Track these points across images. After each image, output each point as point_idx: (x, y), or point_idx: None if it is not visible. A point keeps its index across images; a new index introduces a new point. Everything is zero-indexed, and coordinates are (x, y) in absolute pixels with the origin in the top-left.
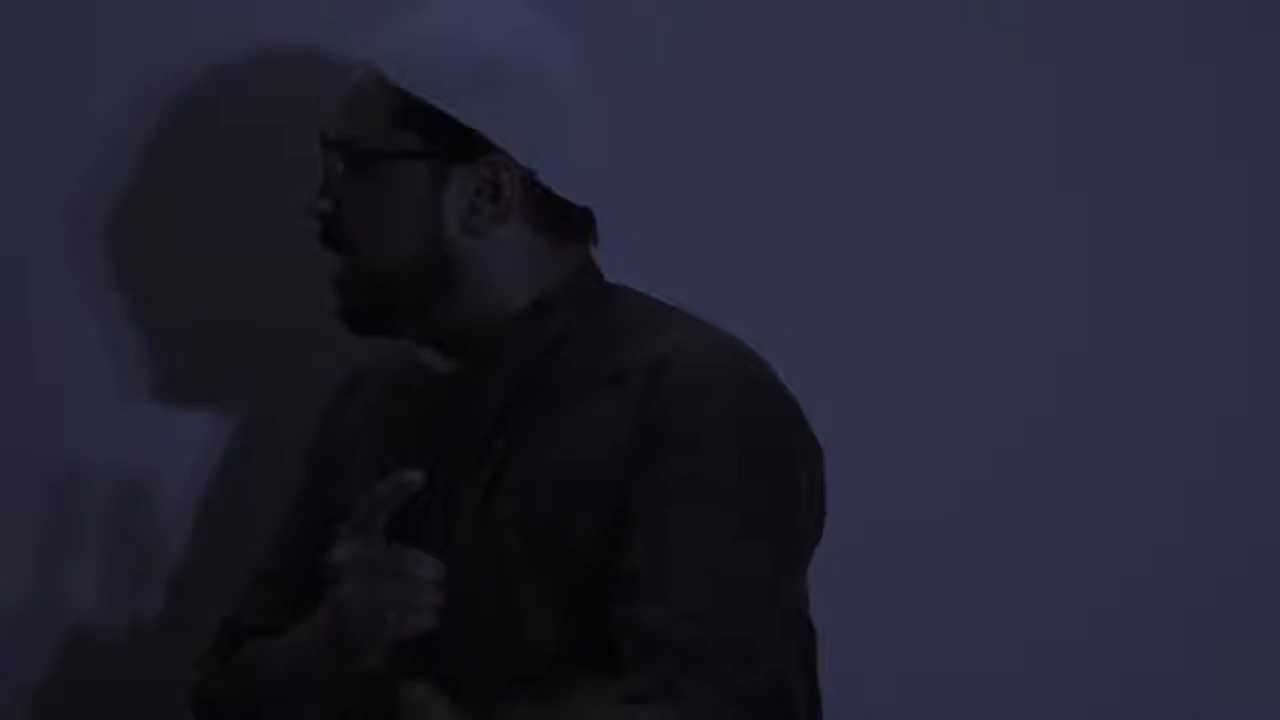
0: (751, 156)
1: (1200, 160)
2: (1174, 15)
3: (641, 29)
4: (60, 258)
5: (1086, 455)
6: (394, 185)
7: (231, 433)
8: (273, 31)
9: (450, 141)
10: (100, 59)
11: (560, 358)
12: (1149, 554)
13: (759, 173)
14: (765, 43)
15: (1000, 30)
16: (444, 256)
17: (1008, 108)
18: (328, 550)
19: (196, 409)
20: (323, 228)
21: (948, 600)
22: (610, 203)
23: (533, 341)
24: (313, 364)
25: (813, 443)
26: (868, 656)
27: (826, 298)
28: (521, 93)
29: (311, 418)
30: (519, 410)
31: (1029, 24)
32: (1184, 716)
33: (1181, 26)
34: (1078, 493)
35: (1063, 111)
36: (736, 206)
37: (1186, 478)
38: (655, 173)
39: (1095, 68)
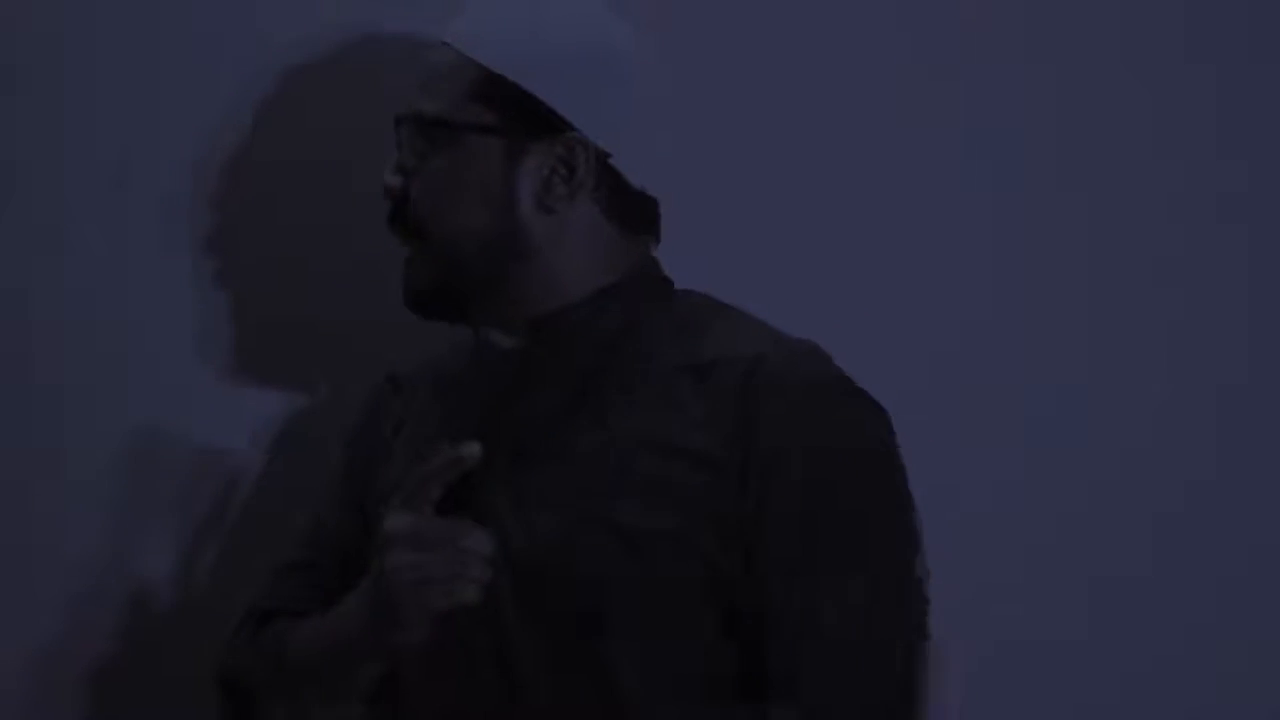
0: (751, 156)
1: (1200, 160)
2: (1174, 15)
3: (642, 29)
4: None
5: (1086, 455)
6: (471, 160)
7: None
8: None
9: (527, 118)
10: (100, 58)
11: (631, 345)
12: (1149, 554)
13: (759, 173)
14: (765, 42)
15: (1000, 30)
16: (517, 232)
17: (1008, 108)
18: (370, 533)
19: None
20: (393, 207)
21: (945, 601)
22: None
23: (604, 326)
24: (340, 363)
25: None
26: None
27: (826, 297)
28: (598, 76)
29: (347, 417)
30: (590, 395)
31: (1029, 24)
32: (1184, 716)
33: (1182, 26)
34: (1077, 493)
35: (1063, 111)
36: (736, 207)
37: (1187, 478)
38: (655, 173)
39: (1095, 68)
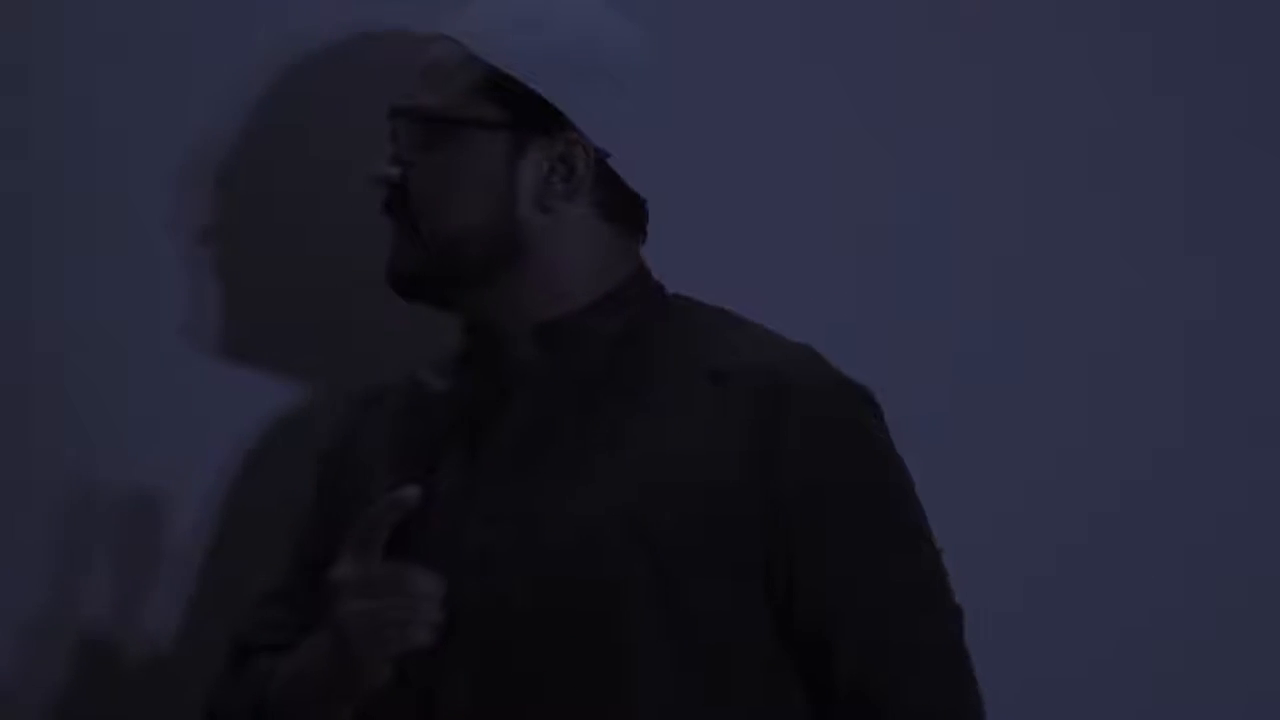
0: (751, 156)
1: (1200, 160)
2: (1174, 15)
3: (641, 30)
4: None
5: (1086, 455)
6: (470, 154)
7: (248, 442)
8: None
9: (529, 116)
10: (100, 58)
11: (634, 353)
12: (1150, 554)
13: (759, 173)
14: (764, 42)
15: (1000, 30)
16: (514, 228)
17: (1008, 108)
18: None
19: (216, 413)
20: (388, 195)
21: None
22: None
23: (610, 332)
24: (341, 363)
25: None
26: None
27: (825, 297)
28: (599, 76)
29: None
30: (599, 402)
31: (1029, 24)
32: (1184, 715)
33: (1182, 26)
34: (1077, 492)
35: (1063, 111)
36: (737, 206)
37: (1188, 477)
38: (651, 173)
39: (1095, 67)
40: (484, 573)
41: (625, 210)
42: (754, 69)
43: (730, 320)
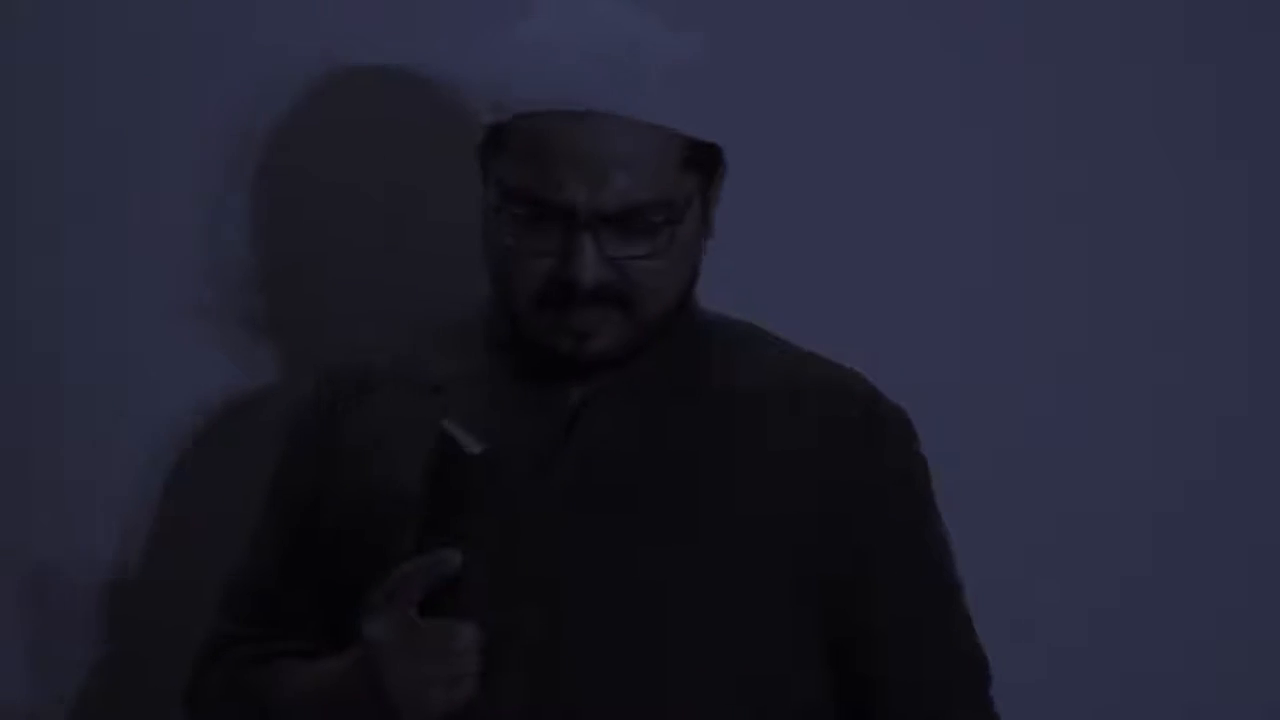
0: (751, 157)
1: (1200, 160)
2: (1174, 15)
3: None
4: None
5: (1086, 455)
6: (685, 231)
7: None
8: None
9: (704, 168)
10: (100, 58)
11: (691, 371)
12: (1149, 554)
13: (759, 173)
14: (764, 43)
15: (1000, 30)
16: (692, 285)
17: (1008, 108)
18: (333, 550)
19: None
20: (594, 293)
21: None
22: None
23: (677, 356)
24: (283, 364)
25: None
26: None
27: (825, 297)
28: (703, 83)
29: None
30: (667, 431)
31: (1029, 24)
32: (1184, 716)
33: (1182, 27)
34: (1076, 492)
35: (1063, 111)
36: (735, 207)
37: (1187, 478)
38: None
39: (1095, 68)
40: (552, 591)
41: None
42: (759, 65)
43: (759, 332)
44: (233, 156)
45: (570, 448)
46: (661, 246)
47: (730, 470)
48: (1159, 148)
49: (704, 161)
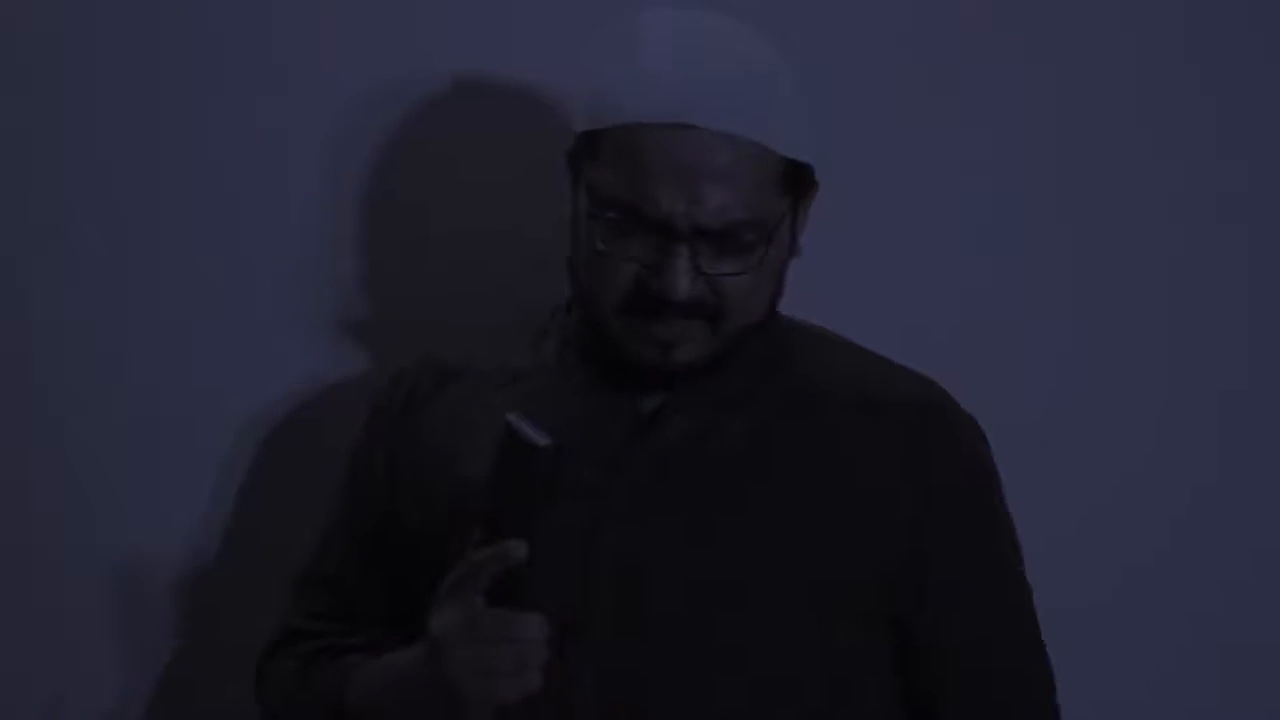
0: None
1: (1200, 160)
2: (1174, 15)
3: None
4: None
5: (1086, 454)
6: (775, 248)
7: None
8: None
9: (798, 187)
10: (100, 58)
11: (769, 377)
12: (1149, 553)
13: None
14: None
15: (1000, 30)
16: (777, 300)
17: (1008, 108)
18: (414, 535)
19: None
20: (685, 306)
21: None
22: None
23: (757, 364)
24: (342, 362)
25: None
26: None
27: (824, 297)
28: (804, 109)
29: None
30: (741, 426)
31: (1029, 24)
32: (1183, 716)
33: (1182, 27)
34: (1076, 491)
35: (1063, 111)
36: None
37: (1187, 478)
38: None
39: (1095, 68)
40: (625, 586)
41: None
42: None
43: (826, 335)
44: (236, 153)
45: (645, 447)
46: (753, 264)
47: (806, 477)
48: (1159, 148)
49: (798, 180)
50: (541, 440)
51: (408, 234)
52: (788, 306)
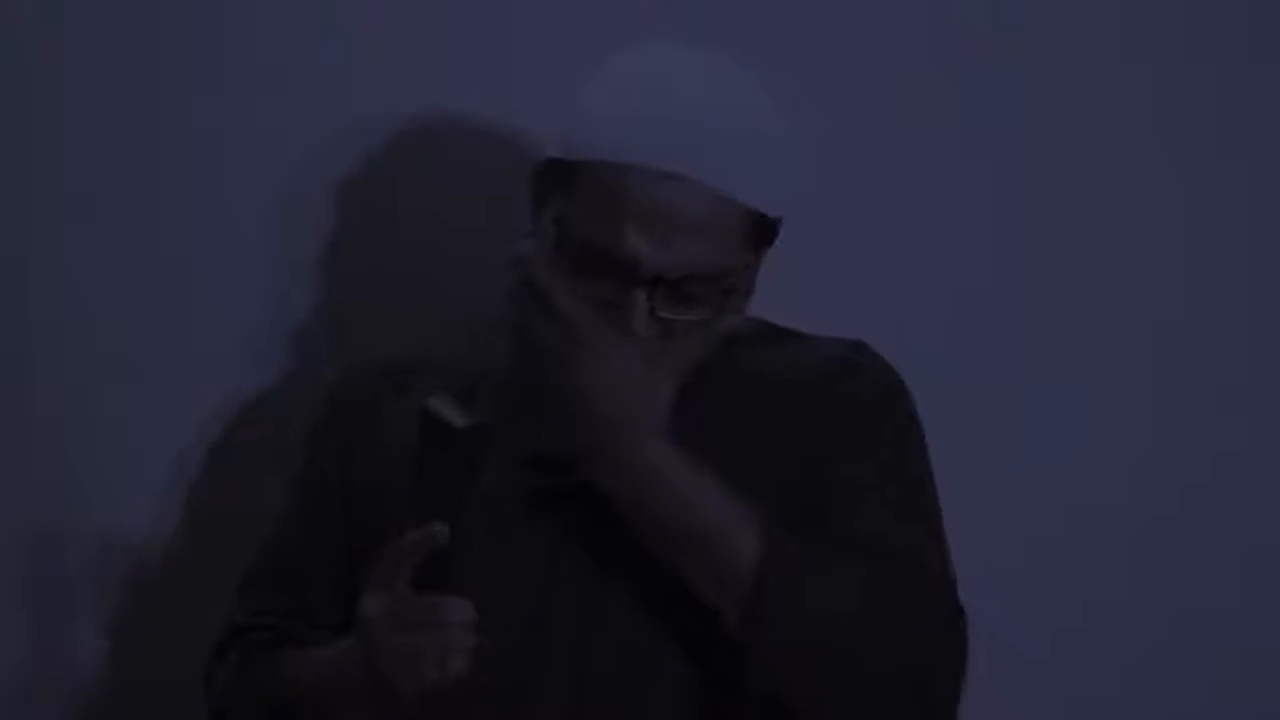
0: None
1: (1200, 160)
2: (1174, 15)
3: (642, 27)
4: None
5: (1085, 455)
6: (735, 298)
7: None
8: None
9: (767, 240)
10: (100, 58)
11: (716, 372)
12: (1147, 554)
13: None
14: (764, 43)
15: (1000, 30)
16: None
17: (1008, 108)
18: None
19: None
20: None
21: None
22: None
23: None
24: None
25: None
26: None
27: (824, 297)
28: (785, 160)
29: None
30: (690, 418)
31: (1029, 24)
32: (1182, 715)
33: (1182, 27)
34: (1075, 492)
35: (1063, 111)
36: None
37: (1186, 479)
38: None
39: (1095, 68)
40: (587, 581)
41: None
42: (759, 65)
43: (777, 331)
44: (236, 153)
45: None
46: (710, 313)
47: (750, 456)
48: (1159, 148)
49: (766, 229)
50: (460, 421)
51: (408, 234)
52: (788, 306)
